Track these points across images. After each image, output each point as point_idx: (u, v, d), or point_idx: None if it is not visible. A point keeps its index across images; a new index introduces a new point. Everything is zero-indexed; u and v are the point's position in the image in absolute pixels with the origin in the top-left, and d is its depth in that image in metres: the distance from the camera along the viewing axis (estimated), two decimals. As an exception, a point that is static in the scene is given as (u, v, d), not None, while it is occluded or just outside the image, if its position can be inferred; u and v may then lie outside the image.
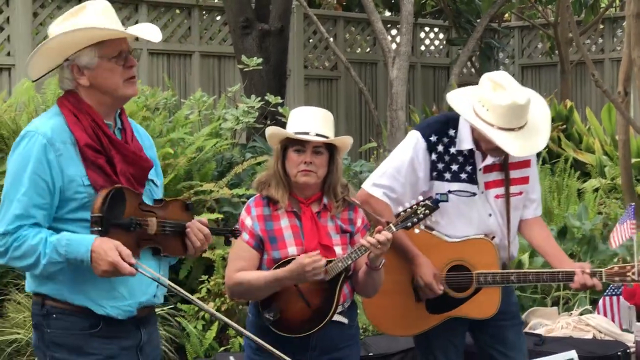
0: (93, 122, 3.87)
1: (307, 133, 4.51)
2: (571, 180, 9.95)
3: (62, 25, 3.89)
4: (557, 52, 14.08)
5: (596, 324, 6.76)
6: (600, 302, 6.96)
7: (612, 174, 10.22)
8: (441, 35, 15.54)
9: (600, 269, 4.90)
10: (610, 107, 11.26)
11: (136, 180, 3.94)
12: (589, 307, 7.26)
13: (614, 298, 6.86)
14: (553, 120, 12.42)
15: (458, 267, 4.95)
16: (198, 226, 4.02)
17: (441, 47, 15.52)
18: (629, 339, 6.55)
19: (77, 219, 3.81)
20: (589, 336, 6.66)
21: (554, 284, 7.37)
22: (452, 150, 4.96)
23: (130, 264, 3.69)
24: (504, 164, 4.99)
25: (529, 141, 4.85)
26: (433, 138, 4.97)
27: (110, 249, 3.68)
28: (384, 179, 4.96)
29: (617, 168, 9.46)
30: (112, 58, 3.88)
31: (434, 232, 4.99)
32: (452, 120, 5.03)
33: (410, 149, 4.97)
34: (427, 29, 15.42)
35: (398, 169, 4.97)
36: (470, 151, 4.94)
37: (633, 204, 7.06)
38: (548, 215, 8.77)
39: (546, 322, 6.84)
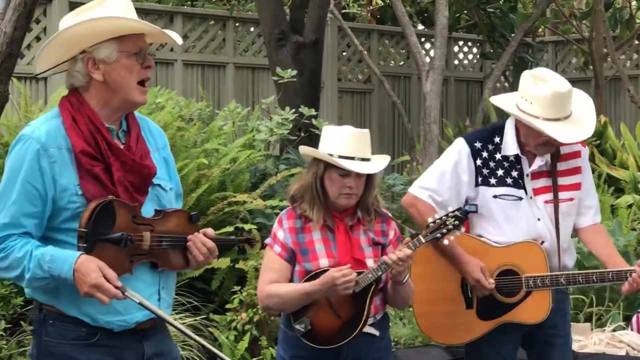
0: (92, 126, 3.70)
1: (352, 158, 4.49)
2: (605, 196, 9.89)
3: (75, 19, 3.72)
4: (591, 67, 14.01)
5: (629, 341, 6.73)
6: (634, 318, 6.92)
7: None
8: (475, 50, 15.52)
9: None
10: (647, 124, 11.22)
11: (136, 189, 3.76)
12: (622, 323, 7.22)
13: (648, 314, 6.83)
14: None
15: (507, 272, 4.94)
16: (202, 239, 3.84)
17: (475, 61, 15.50)
18: (663, 357, 6.52)
19: (71, 228, 3.64)
20: (622, 353, 6.62)
21: (587, 294, 7.34)
22: (498, 156, 4.98)
23: (117, 287, 3.54)
24: (552, 170, 5.00)
25: (576, 129, 4.87)
26: (477, 144, 5.00)
27: (93, 270, 3.52)
28: (430, 182, 5.00)
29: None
30: (133, 54, 3.73)
31: (482, 239, 4.99)
32: (498, 128, 5.08)
33: (455, 154, 5.00)
34: (461, 42, 15.40)
35: (443, 172, 4.99)
36: (517, 157, 4.96)
37: None
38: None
39: (579, 338, 6.79)
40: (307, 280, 4.47)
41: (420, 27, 15.65)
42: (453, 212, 4.47)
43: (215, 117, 8.90)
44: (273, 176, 8.06)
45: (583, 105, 5.02)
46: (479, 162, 4.98)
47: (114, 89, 3.71)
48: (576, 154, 5.07)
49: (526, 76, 4.91)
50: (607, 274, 4.89)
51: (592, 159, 11.59)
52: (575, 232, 5.18)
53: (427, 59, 12.41)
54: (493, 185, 4.96)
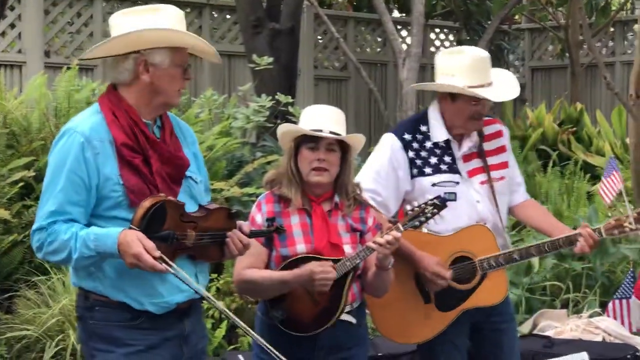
0: (131, 121, 3.91)
1: (320, 130, 4.51)
2: (581, 182, 9.95)
3: (133, 18, 3.96)
4: (567, 54, 14.06)
5: (605, 327, 6.76)
6: (610, 305, 6.95)
7: (622, 177, 10.20)
8: (452, 37, 15.54)
9: (599, 226, 4.88)
10: (621, 110, 11.25)
11: (171, 179, 3.97)
12: (598, 309, 7.26)
13: (624, 301, 6.85)
14: (563, 122, 12.51)
15: (460, 259, 4.95)
16: (239, 236, 4.03)
17: (450, 48, 15.51)
18: (638, 342, 6.55)
19: (113, 216, 3.85)
20: (599, 339, 6.65)
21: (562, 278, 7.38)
22: (428, 144, 5.00)
23: (155, 257, 3.71)
24: (480, 150, 5.04)
25: (503, 90, 4.97)
26: (407, 136, 5.01)
27: (133, 241, 3.70)
28: (367, 183, 4.94)
29: (628, 171, 9.44)
30: (179, 65, 3.96)
31: (425, 231, 4.91)
32: (422, 116, 5.11)
33: (387, 151, 5.00)
34: (437, 30, 15.41)
35: (378, 171, 4.99)
36: (447, 142, 4.99)
37: (612, 156, 7.06)
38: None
39: (555, 325, 6.83)
40: (284, 267, 4.48)
41: (397, 14, 15.63)
42: (432, 200, 4.48)
43: (191, 105, 8.86)
44: (249, 164, 8.05)
45: (501, 75, 5.11)
46: (411, 154, 4.98)
47: (158, 92, 3.94)
48: (498, 133, 5.16)
49: (441, 55, 5.03)
50: (557, 241, 4.90)
51: (568, 146, 11.66)
52: (510, 211, 5.22)
53: (404, 47, 12.41)
54: (429, 175, 4.96)
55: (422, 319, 4.99)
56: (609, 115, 11.94)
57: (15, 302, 6.59)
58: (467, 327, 5.06)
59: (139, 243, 3.70)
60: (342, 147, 4.60)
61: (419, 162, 4.97)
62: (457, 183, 4.96)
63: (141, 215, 3.77)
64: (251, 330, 4.18)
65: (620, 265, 7.60)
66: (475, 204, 4.96)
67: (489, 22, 13.91)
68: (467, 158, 5.00)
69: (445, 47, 15.27)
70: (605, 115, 11.96)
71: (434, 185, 4.93)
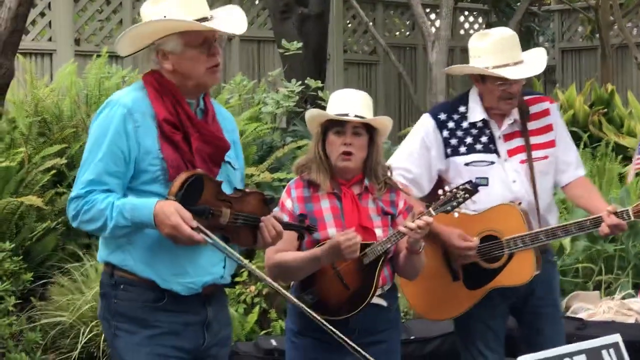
0: (174, 99, 3.94)
1: (346, 114, 4.51)
2: (613, 164, 9.90)
3: (151, 8, 3.97)
4: (597, 35, 13.98)
5: (639, 309, 6.73)
6: (644, 286, 6.94)
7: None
8: (481, 19, 15.49)
9: (627, 208, 4.84)
10: (654, 92, 11.18)
11: (212, 160, 3.98)
12: (631, 291, 7.23)
13: (657, 282, 6.84)
14: (594, 104, 12.43)
15: (488, 237, 4.94)
16: (272, 222, 4.04)
17: (481, 30, 15.49)
18: (673, 324, 6.52)
19: (150, 191, 3.86)
20: (632, 320, 6.62)
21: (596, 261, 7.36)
22: (465, 124, 5.02)
23: (192, 227, 3.72)
24: (524, 130, 5.02)
25: (528, 68, 4.97)
26: (442, 116, 5.04)
27: (172, 212, 3.72)
28: (399, 161, 5.01)
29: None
30: (197, 46, 3.94)
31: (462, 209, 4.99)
32: (462, 98, 5.14)
33: (421, 130, 5.05)
34: (466, 12, 15.37)
35: (411, 149, 5.05)
36: (484, 121, 5.00)
37: None
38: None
39: (588, 306, 6.81)
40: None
41: (426, -3, 15.61)
42: (463, 184, 4.48)
43: (221, 91, 8.88)
44: (280, 149, 8.06)
45: (534, 53, 5.10)
46: (445, 133, 5.01)
47: (185, 76, 3.94)
48: (545, 112, 5.12)
49: (473, 38, 5.05)
50: (584, 222, 4.87)
51: (599, 127, 11.60)
52: (562, 191, 5.20)
53: (433, 30, 12.37)
54: (463, 154, 4.98)
55: (451, 296, 5.02)
56: (640, 96, 11.88)
57: (49, 288, 6.63)
58: (503, 310, 5.06)
59: (176, 213, 3.71)
60: (369, 130, 4.60)
61: (453, 141, 4.99)
62: (492, 163, 4.95)
63: (178, 187, 3.79)
64: (282, 290, 4.18)
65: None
66: (510, 184, 4.95)
67: (518, 4, 13.84)
68: (508, 137, 5.00)
69: (475, 30, 15.23)
70: (637, 96, 11.90)
71: (467, 164, 4.94)
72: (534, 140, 5.02)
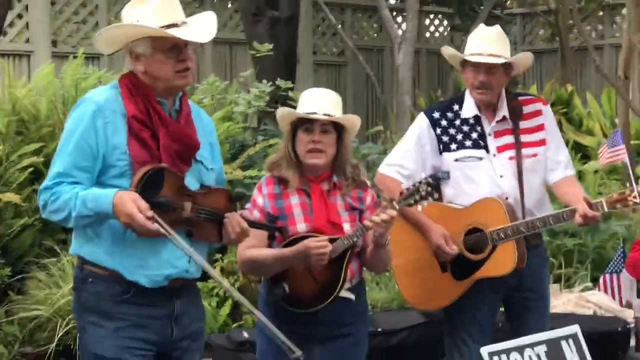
0: (146, 99, 3.95)
1: (315, 113, 4.52)
2: (572, 161, 9.93)
3: (130, 10, 4.01)
4: (557, 38, 14.05)
5: (597, 301, 6.77)
6: (601, 279, 6.97)
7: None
8: (445, 22, 15.52)
9: (601, 200, 4.86)
10: (610, 92, 11.24)
11: (180, 158, 3.99)
12: (589, 284, 7.27)
13: (614, 275, 6.87)
14: (554, 104, 12.47)
15: (473, 230, 4.98)
16: (237, 219, 4.04)
17: (445, 33, 15.50)
18: (628, 316, 6.55)
19: (117, 185, 3.85)
20: (590, 312, 6.67)
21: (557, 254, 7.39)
22: (457, 122, 5.07)
23: (147, 217, 3.73)
24: (515, 127, 5.06)
25: (496, 59, 5.00)
26: (436, 114, 5.09)
27: (127, 201, 3.73)
28: (395, 159, 5.09)
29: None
30: (165, 50, 3.95)
31: (446, 204, 5.04)
32: (457, 98, 5.18)
33: (416, 128, 5.10)
34: (431, 16, 15.39)
35: (407, 146, 5.10)
36: (476, 117, 5.04)
37: (618, 129, 7.04)
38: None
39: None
40: (285, 245, 4.48)
41: (392, 1, 15.59)
42: (425, 179, 4.49)
43: (194, 91, 8.86)
44: (251, 147, 8.05)
45: (522, 55, 5.16)
46: (438, 130, 5.07)
47: (156, 78, 3.95)
48: (538, 112, 5.17)
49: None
50: (561, 214, 4.90)
51: (559, 126, 11.63)
52: (550, 189, 5.22)
53: (399, 32, 12.41)
54: (454, 150, 5.04)
55: (440, 287, 5.05)
56: (598, 96, 11.94)
57: (27, 283, 6.60)
58: (492, 302, 5.09)
59: (132, 203, 3.72)
60: (338, 129, 4.60)
61: (445, 138, 5.05)
62: (481, 159, 5.00)
63: (138, 178, 3.81)
64: (254, 309, 4.19)
65: (610, 242, 7.61)
66: (497, 179, 4.99)
67: (482, 8, 13.89)
68: (498, 134, 5.05)
69: (440, 33, 15.28)
70: (595, 96, 11.96)
71: (456, 160, 5.02)
72: (524, 138, 5.06)
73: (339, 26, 13.49)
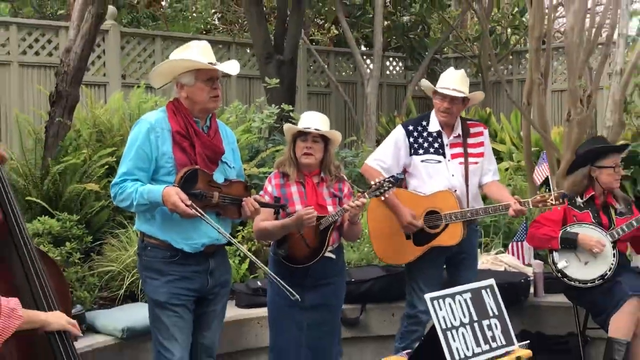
0: (185, 119, 3.94)
1: (309, 128, 4.54)
2: (490, 162, 9.94)
3: (178, 53, 4.00)
4: (480, 75, 14.04)
5: (507, 261, 6.78)
6: (510, 246, 6.98)
7: (517, 158, 10.21)
8: (400, 64, 15.47)
9: (528, 199, 4.90)
10: (517, 113, 11.23)
11: (209, 160, 3.96)
12: (501, 249, 7.27)
13: (519, 243, 6.88)
14: (478, 121, 12.46)
15: (432, 212, 4.98)
16: (251, 202, 4.04)
17: (401, 71, 15.45)
18: (529, 271, 6.57)
19: (166, 181, 3.87)
20: (501, 269, 6.68)
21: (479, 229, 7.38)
22: (425, 133, 5.05)
23: (187, 205, 3.73)
24: (464, 142, 5.07)
25: (456, 93, 5.01)
26: (410, 127, 5.10)
27: (171, 194, 3.74)
28: (379, 155, 5.10)
29: (521, 154, 9.44)
30: (204, 81, 3.95)
31: (413, 191, 5.04)
32: (425, 116, 5.18)
33: (395, 135, 5.11)
34: (391, 59, 15.33)
35: (388, 147, 5.10)
36: (438, 132, 5.05)
37: (544, 151, 7.05)
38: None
39: (472, 259, 6.86)
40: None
41: (363, 48, 15.55)
42: (388, 178, 4.50)
43: (223, 112, 8.84)
44: (264, 151, 8.04)
45: (476, 94, 5.20)
46: (411, 139, 5.08)
47: (194, 102, 3.98)
48: (480, 133, 5.20)
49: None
50: (498, 206, 4.93)
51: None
52: (481, 189, 5.23)
53: (368, 71, 12.38)
54: (421, 154, 5.04)
55: (404, 250, 5.07)
56: (508, 116, 11.93)
57: (104, 247, 6.59)
58: (439, 262, 5.11)
59: (175, 195, 3.73)
60: (325, 139, 4.61)
61: (415, 145, 5.06)
62: (439, 162, 5.02)
63: (179, 177, 3.81)
64: (265, 267, 4.19)
65: (516, 220, 7.61)
66: (450, 177, 5.01)
67: (426, 53, 13.88)
68: (453, 145, 5.06)
69: (397, 71, 15.25)
70: (506, 116, 11.95)
71: (422, 161, 5.07)
72: (470, 150, 5.11)
73: (325, 66, 13.47)
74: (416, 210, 4.99)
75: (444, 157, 5.04)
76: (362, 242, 6.94)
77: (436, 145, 5.05)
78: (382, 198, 4.57)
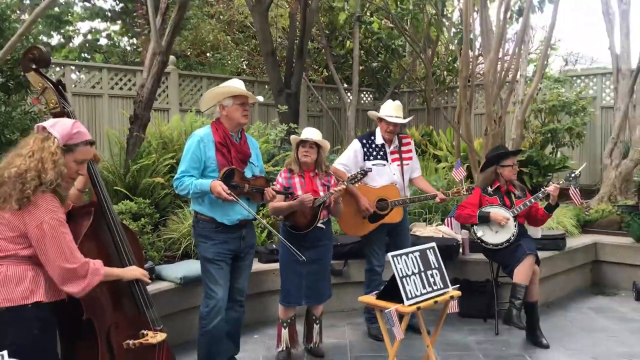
0: (224, 133, 3.91)
1: (307, 138, 4.52)
2: (432, 163, 9.93)
3: (221, 85, 3.99)
4: (425, 103, 14.01)
5: (444, 230, 6.77)
6: (446, 220, 6.96)
7: (451, 160, 10.19)
8: (371, 96, 15.41)
9: (448, 191, 4.92)
10: (450, 129, 11.21)
11: (241, 161, 3.94)
12: (440, 222, 7.26)
13: (452, 218, 6.87)
14: (424, 135, 12.46)
15: (381, 199, 4.95)
16: (270, 190, 4.03)
17: (371, 101, 15.40)
18: (459, 237, 6.56)
19: (212, 177, 3.85)
20: (440, 236, 6.67)
21: (424, 210, 7.35)
22: (373, 145, 5.01)
23: (227, 193, 3.71)
24: (399, 150, 5.03)
25: (397, 119, 4.95)
26: (364, 140, 5.06)
27: (216, 186, 3.76)
28: (343, 160, 5.04)
29: (453, 158, 9.42)
30: (239, 104, 3.92)
31: (368, 184, 4.98)
32: (372, 132, 5.13)
33: (353, 146, 5.06)
34: (364, 92, 15.29)
35: (348, 155, 5.06)
36: (382, 144, 4.99)
37: (459, 159, 7.05)
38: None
39: (420, 230, 6.85)
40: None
41: (345, 85, 15.50)
42: (360, 171, 4.49)
43: (249, 129, 8.81)
44: (277, 155, 8.02)
45: (405, 119, 5.09)
46: (364, 149, 5.04)
47: (231, 119, 3.95)
48: (409, 143, 5.19)
49: (383, 104, 5.08)
50: (428, 195, 4.95)
51: (425, 146, 11.63)
52: (411, 182, 5.21)
53: (348, 101, 12.34)
54: (371, 159, 5.00)
55: (362, 225, 5.03)
56: (445, 131, 11.91)
57: (167, 221, 6.56)
58: (384, 234, 5.07)
59: (219, 187, 3.73)
60: (318, 146, 4.59)
61: (367, 153, 5.02)
62: (384, 165, 4.98)
63: (222, 174, 3.80)
64: (278, 234, 4.18)
65: (450, 202, 7.60)
66: (392, 175, 4.99)
67: (389, 88, 13.86)
68: (393, 153, 5.04)
69: (369, 101, 15.19)
70: (443, 131, 11.92)
71: (373, 165, 5.01)
72: (404, 155, 5.10)
73: (319, 97, 13.42)
74: (370, 199, 4.99)
75: (387, 161, 5.04)
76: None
77: (382, 153, 5.05)
78: (356, 185, 4.57)
